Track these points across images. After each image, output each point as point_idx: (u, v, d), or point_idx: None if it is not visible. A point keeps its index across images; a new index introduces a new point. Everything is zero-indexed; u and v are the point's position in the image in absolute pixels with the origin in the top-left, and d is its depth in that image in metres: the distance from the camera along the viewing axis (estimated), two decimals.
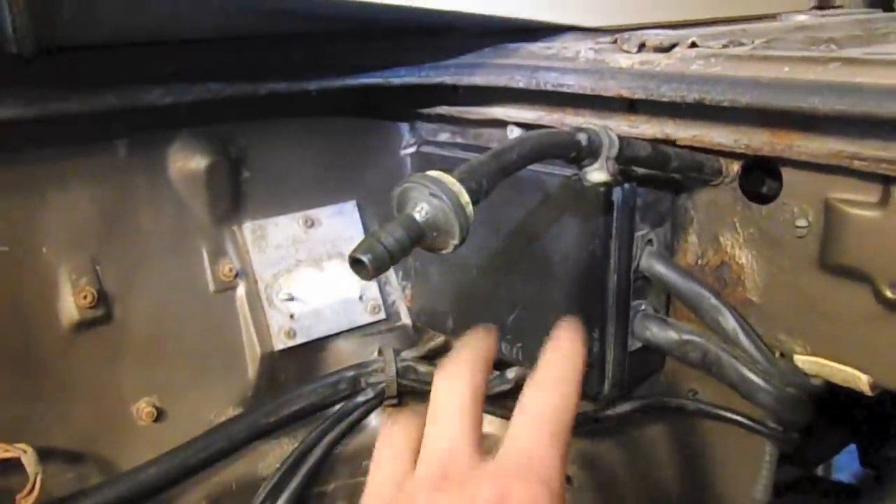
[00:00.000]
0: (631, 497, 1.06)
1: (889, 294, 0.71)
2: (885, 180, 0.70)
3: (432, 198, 0.55)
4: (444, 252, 0.57)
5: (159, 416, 0.98)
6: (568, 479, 1.11)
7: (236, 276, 1.02)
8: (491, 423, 1.12)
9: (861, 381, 0.75)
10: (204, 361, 1.01)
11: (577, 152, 0.68)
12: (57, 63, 0.89)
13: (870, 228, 0.72)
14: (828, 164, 0.71)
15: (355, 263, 0.53)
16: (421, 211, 0.55)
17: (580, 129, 0.69)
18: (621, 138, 0.73)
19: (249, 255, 1.03)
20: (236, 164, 1.02)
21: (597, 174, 0.70)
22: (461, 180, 0.56)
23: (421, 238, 0.55)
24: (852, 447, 1.59)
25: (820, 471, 1.91)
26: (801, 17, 1.18)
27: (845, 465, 1.97)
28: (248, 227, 1.04)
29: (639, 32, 0.92)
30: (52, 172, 0.90)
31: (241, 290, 1.03)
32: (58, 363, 0.93)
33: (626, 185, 0.80)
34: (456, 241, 0.56)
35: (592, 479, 1.07)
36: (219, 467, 1.00)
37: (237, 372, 1.03)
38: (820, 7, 1.31)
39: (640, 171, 0.82)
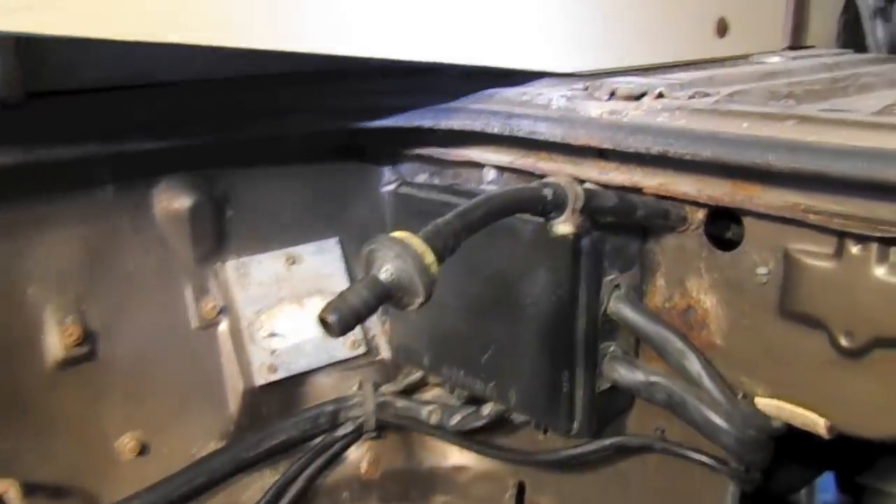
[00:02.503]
0: None
1: (844, 343, 0.74)
2: (840, 234, 0.73)
3: (397, 259, 0.57)
4: (409, 309, 0.60)
5: (143, 450, 1.01)
6: None
7: (219, 313, 1.05)
8: (464, 455, 1.15)
9: (819, 425, 0.78)
10: (187, 397, 1.04)
11: (543, 206, 0.71)
12: (44, 108, 0.92)
13: (826, 279, 0.75)
14: (785, 216, 0.74)
15: (323, 322, 0.56)
16: (386, 272, 0.58)
17: (546, 184, 0.71)
18: (587, 190, 0.75)
19: (232, 293, 1.06)
20: (220, 204, 1.04)
21: (563, 227, 0.73)
22: (426, 240, 0.59)
23: (387, 297, 0.58)
24: None
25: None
26: (773, 60, 1.21)
27: (830, 486, 1.99)
28: (231, 265, 1.06)
29: (610, 80, 0.95)
30: (36, 214, 0.93)
31: (223, 327, 1.06)
32: (43, 400, 0.95)
33: (594, 233, 0.83)
34: (420, 300, 0.59)
35: None
36: (202, 500, 1.02)
37: (219, 406, 1.06)
38: (792, 48, 1.34)
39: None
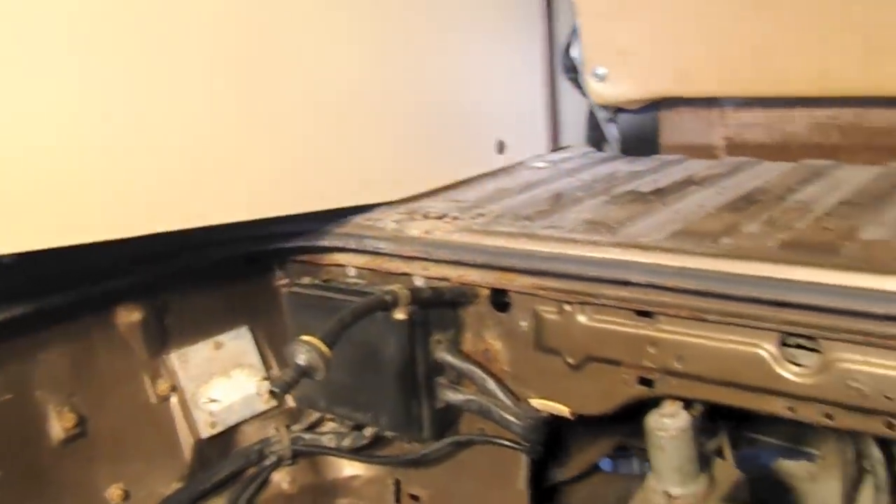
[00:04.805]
0: (459, 500, 1.57)
1: (570, 361, 1.26)
2: (559, 301, 1.25)
3: (309, 352, 1.04)
4: (317, 378, 1.06)
5: (126, 496, 1.41)
6: (416, 498, 1.61)
7: (171, 390, 1.47)
8: (355, 467, 1.62)
9: (565, 411, 1.30)
10: (154, 453, 1.45)
11: (386, 306, 1.20)
12: (31, 265, 1.31)
13: (556, 326, 1.27)
14: (530, 292, 1.27)
15: (272, 393, 1.02)
16: (302, 359, 1.04)
17: (387, 292, 1.20)
18: (411, 289, 1.25)
19: (178, 375, 1.48)
20: (161, 313, 1.47)
21: (399, 315, 1.22)
22: (323, 339, 1.06)
23: (303, 374, 1.04)
24: None
25: None
26: (538, 164, 1.77)
27: None
28: (175, 355, 1.49)
29: (424, 204, 1.46)
30: (38, 339, 1.32)
31: (174, 400, 1.48)
32: (52, 470, 1.34)
33: (421, 312, 1.32)
34: (323, 373, 1.05)
35: (431, 495, 1.58)
36: None
37: (178, 457, 1.48)
38: (554, 150, 1.91)
39: None
